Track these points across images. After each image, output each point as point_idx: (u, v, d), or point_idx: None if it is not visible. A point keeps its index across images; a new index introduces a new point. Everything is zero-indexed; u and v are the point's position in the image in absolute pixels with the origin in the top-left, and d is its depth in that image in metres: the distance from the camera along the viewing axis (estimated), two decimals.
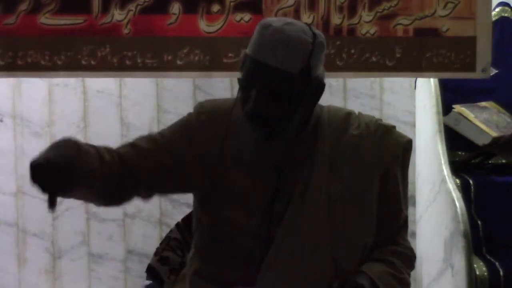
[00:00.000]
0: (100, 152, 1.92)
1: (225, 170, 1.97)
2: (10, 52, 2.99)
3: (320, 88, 1.91)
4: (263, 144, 1.93)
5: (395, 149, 2.02)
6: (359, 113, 2.07)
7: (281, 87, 1.85)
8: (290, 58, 1.84)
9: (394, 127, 2.06)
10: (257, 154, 1.95)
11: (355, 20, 3.06)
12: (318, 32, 1.92)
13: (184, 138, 2.00)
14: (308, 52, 1.86)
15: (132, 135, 3.63)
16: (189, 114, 2.05)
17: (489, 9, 3.12)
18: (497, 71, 3.46)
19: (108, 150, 1.98)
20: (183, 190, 2.14)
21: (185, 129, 2.02)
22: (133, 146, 2.01)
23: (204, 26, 3.03)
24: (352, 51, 3.06)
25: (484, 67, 3.08)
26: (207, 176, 1.96)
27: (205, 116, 2.02)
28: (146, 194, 2.02)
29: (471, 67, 3.08)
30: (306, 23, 1.96)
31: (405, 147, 2.04)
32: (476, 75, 3.09)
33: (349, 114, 2.05)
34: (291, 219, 1.93)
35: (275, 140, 1.91)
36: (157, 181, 1.99)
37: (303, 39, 1.86)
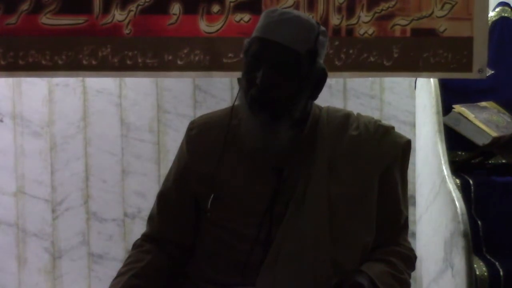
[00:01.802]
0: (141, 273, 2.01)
1: (225, 174, 1.97)
2: (11, 52, 3.00)
3: (323, 76, 1.93)
4: (264, 132, 1.91)
5: (394, 150, 2.02)
6: (358, 114, 2.08)
7: (288, 64, 1.86)
8: (298, 37, 1.87)
9: (393, 127, 2.06)
10: (257, 156, 1.95)
11: (353, 20, 3.06)
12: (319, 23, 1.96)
13: (181, 166, 2.05)
14: (314, 35, 1.89)
15: (132, 135, 3.66)
16: (181, 144, 2.09)
17: (486, 10, 3.13)
18: (492, 72, 3.46)
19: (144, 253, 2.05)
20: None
21: (180, 157, 2.07)
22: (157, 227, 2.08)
23: (204, 26, 3.03)
24: (351, 51, 3.06)
25: (481, 68, 3.09)
26: (208, 185, 1.98)
27: (197, 130, 2.05)
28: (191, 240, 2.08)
29: (468, 68, 3.09)
30: None
31: (404, 148, 2.04)
32: (473, 75, 3.10)
33: (348, 115, 2.05)
34: (291, 220, 1.93)
35: (280, 122, 1.90)
36: (188, 229, 2.06)
37: (310, 21, 1.91)
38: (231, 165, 1.97)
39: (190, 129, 2.07)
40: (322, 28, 1.93)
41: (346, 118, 2.04)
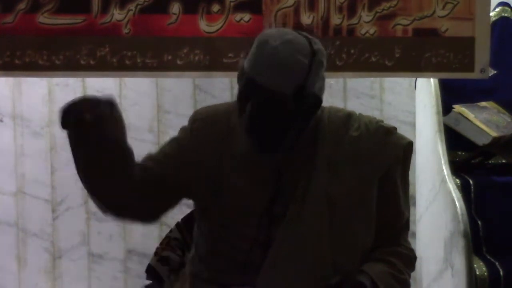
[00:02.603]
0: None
1: (225, 173, 1.97)
2: (8, 51, 2.99)
3: (316, 102, 1.91)
4: (263, 155, 1.93)
5: (395, 151, 2.02)
6: (360, 114, 2.07)
7: (274, 106, 1.85)
8: (285, 81, 1.84)
9: (395, 128, 2.05)
10: (258, 157, 1.95)
11: (354, 20, 3.05)
12: (318, 46, 1.90)
13: (181, 151, 2.01)
14: (304, 74, 1.85)
15: (132, 135, 3.63)
16: (183, 128, 2.06)
17: (487, 9, 3.12)
18: (495, 72, 3.46)
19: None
20: (183, 198, 2.10)
21: (180, 141, 2.03)
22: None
23: (204, 26, 3.03)
24: (352, 51, 3.05)
25: (483, 68, 3.08)
26: (207, 181, 1.97)
27: (200, 122, 2.03)
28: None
29: (470, 68, 3.08)
30: (306, 35, 1.91)
31: (406, 149, 2.04)
32: (475, 75, 3.09)
33: (349, 115, 2.05)
34: (291, 221, 1.93)
35: (271, 152, 1.92)
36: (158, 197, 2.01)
37: (300, 62, 1.85)
38: (232, 164, 1.97)
39: (193, 120, 2.04)
40: (318, 56, 1.87)
41: (347, 118, 2.03)
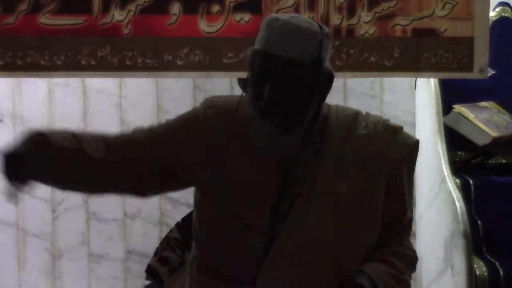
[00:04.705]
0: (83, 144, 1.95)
1: (233, 164, 1.96)
2: (10, 52, 2.99)
3: (330, 79, 1.92)
4: (273, 140, 1.92)
5: (402, 150, 2.02)
6: (367, 113, 2.07)
7: (295, 78, 1.84)
8: (302, 49, 1.85)
9: (401, 127, 2.06)
10: (266, 152, 1.95)
11: (354, 20, 3.06)
12: (322, 25, 1.93)
13: (188, 130, 2.00)
14: (318, 43, 1.87)
15: None
16: (195, 109, 2.05)
17: (487, 10, 3.13)
18: (494, 72, 3.46)
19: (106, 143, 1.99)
20: (184, 184, 2.08)
21: (190, 121, 2.02)
22: (134, 141, 2.00)
23: (204, 26, 3.03)
24: (351, 51, 3.06)
25: (482, 68, 3.09)
26: (213, 168, 1.96)
27: (213, 110, 2.01)
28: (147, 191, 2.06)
29: (469, 68, 3.09)
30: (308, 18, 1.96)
31: (412, 148, 2.05)
32: (474, 75, 3.09)
33: (357, 114, 2.05)
34: (296, 216, 1.93)
35: (291, 133, 1.90)
36: (157, 177, 2.01)
37: (313, 30, 1.87)
38: (239, 157, 1.96)
39: (207, 106, 2.03)
40: (325, 30, 1.91)
41: (354, 117, 2.04)
